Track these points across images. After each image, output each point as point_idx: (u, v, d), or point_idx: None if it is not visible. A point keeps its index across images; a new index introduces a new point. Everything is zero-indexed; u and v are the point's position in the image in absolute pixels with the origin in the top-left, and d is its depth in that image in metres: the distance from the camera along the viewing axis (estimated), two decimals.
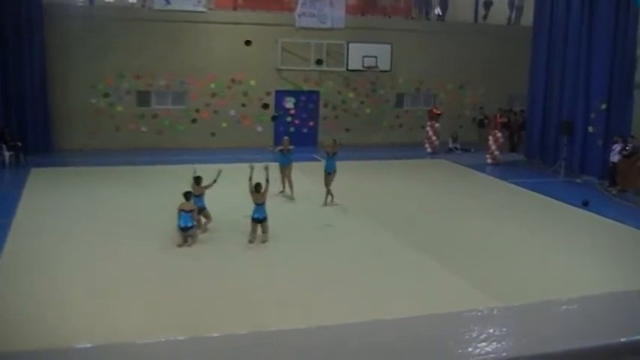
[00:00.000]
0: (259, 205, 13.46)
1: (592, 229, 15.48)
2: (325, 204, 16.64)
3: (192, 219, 13.19)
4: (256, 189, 13.54)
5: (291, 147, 17.35)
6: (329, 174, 16.72)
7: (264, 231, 13.50)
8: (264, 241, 13.40)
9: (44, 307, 9.77)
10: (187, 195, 13.41)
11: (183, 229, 13.01)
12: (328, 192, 16.68)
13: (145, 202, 16.39)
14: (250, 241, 13.36)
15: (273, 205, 14.40)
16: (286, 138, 17.91)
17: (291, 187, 17.05)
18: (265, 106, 23.87)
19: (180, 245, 12.94)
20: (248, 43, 24.77)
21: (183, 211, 13.04)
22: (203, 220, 13.98)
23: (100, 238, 13.36)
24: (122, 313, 9.68)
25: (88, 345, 2.10)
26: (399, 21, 27.70)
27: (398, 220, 15.41)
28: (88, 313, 9.65)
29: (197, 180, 14.03)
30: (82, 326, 9.15)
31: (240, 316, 9.64)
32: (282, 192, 17.19)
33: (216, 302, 10.19)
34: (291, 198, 16.95)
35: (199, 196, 13.88)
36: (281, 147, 17.43)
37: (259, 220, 13.43)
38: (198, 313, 9.74)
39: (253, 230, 13.44)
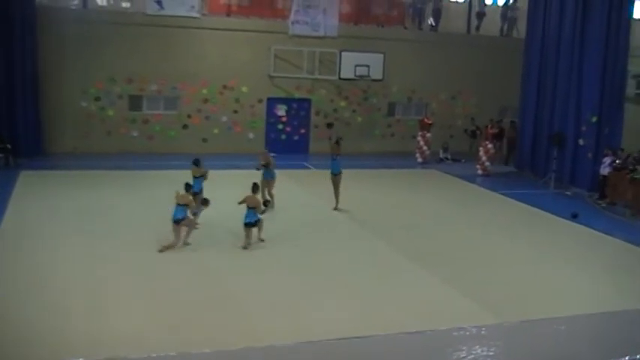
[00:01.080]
0: (251, 209, 13.45)
1: (581, 241, 15.55)
2: (336, 207, 16.88)
3: (185, 211, 13.19)
4: (253, 189, 13.64)
5: (271, 158, 16.57)
6: (335, 175, 16.90)
7: (259, 229, 13.56)
8: (261, 240, 13.53)
9: (31, 312, 9.69)
10: (187, 186, 13.69)
11: (176, 222, 13.08)
12: (335, 194, 16.90)
13: (135, 206, 16.36)
14: (244, 247, 13.32)
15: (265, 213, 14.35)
16: (264, 150, 17.28)
17: (271, 197, 16.47)
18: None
19: (160, 250, 12.88)
20: (197, 162, 25.09)
21: (179, 204, 13.12)
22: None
23: (89, 242, 13.29)
24: (111, 319, 9.58)
25: None
26: (392, 30, 27.78)
27: (389, 229, 15.41)
28: (76, 317, 9.57)
29: (196, 162, 14.88)
30: (70, 331, 9.08)
31: (231, 323, 9.57)
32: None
33: (207, 309, 10.13)
34: (272, 208, 16.17)
35: (198, 179, 14.58)
36: (262, 162, 16.53)
37: (249, 224, 13.40)
38: (189, 320, 9.66)
39: (247, 236, 13.41)
